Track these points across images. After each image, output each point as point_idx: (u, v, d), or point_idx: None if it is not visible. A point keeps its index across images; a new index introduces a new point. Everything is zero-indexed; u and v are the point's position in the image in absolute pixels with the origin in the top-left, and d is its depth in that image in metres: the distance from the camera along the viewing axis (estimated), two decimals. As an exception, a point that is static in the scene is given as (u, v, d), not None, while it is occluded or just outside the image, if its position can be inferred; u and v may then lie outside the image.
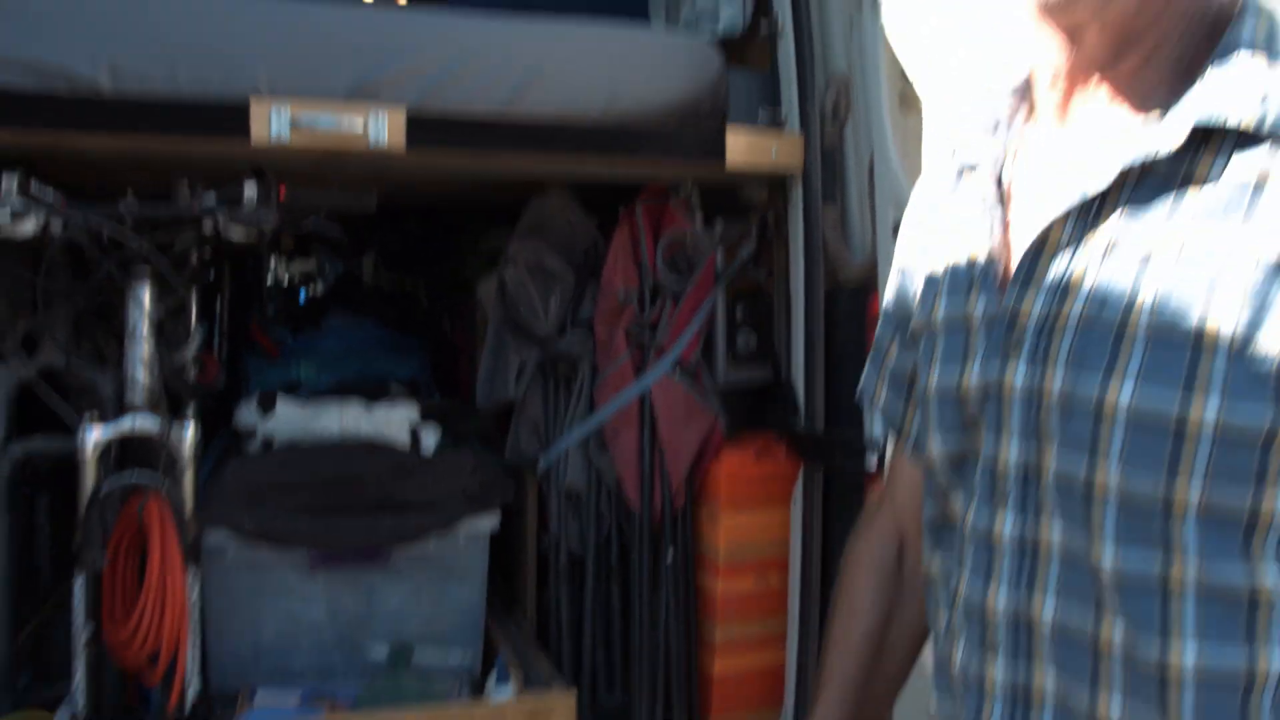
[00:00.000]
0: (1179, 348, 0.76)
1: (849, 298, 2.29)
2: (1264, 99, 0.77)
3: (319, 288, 6.85)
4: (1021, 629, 0.88)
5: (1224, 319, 0.75)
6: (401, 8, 2.24)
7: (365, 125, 2.04)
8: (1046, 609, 0.86)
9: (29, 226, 2.01)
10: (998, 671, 0.90)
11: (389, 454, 2.55)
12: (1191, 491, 0.76)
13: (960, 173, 1.01)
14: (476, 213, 3.44)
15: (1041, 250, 0.87)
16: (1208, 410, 0.75)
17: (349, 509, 2.41)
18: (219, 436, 2.81)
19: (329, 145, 2.04)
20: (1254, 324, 0.74)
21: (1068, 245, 0.85)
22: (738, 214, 2.51)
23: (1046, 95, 0.92)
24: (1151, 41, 0.84)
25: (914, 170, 2.04)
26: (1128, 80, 0.86)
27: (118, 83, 1.98)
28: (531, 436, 2.71)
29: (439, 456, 2.61)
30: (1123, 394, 0.79)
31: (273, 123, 1.99)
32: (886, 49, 2.11)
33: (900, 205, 2.08)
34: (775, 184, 2.44)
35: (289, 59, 2.06)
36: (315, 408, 2.61)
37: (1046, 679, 0.86)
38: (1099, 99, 0.88)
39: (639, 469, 2.50)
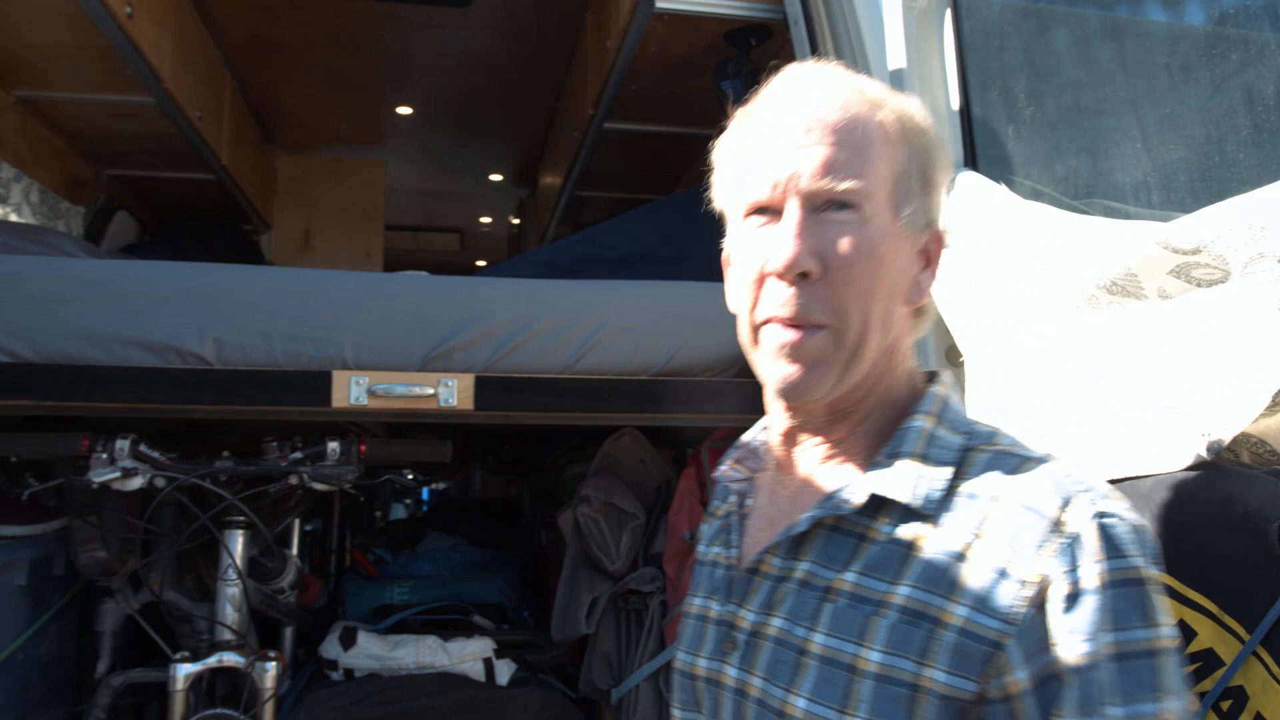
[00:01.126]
0: (840, 671, 0.99)
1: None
2: (916, 485, 1.03)
3: (425, 501, 7.12)
4: None
5: (871, 653, 0.98)
6: (473, 280, 2.44)
7: (436, 390, 2.21)
8: None
9: (137, 482, 2.24)
10: None
11: (461, 688, 2.62)
12: None
13: (725, 495, 1.29)
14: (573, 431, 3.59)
15: (755, 573, 1.13)
16: None
17: (418, 746, 2.47)
18: (308, 664, 2.94)
19: (403, 407, 2.22)
20: (892, 659, 0.96)
21: (775, 573, 1.11)
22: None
23: (777, 447, 1.20)
24: (858, 417, 1.12)
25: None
26: (836, 444, 1.13)
27: (222, 355, 2.22)
28: (604, 670, 2.74)
29: (511, 691, 2.66)
30: (798, 705, 1.01)
31: (352, 390, 2.18)
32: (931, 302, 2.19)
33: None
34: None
35: (371, 331, 2.27)
36: (394, 641, 2.71)
37: None
38: (814, 456, 1.15)
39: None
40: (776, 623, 1.07)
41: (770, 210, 1.09)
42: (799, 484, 1.16)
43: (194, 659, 2.34)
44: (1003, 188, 1.92)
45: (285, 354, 2.25)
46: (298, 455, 2.29)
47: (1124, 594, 0.91)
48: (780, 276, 1.06)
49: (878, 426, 1.12)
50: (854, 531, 1.06)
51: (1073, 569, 0.92)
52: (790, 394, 1.09)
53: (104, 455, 2.22)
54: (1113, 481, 1.46)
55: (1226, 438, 1.30)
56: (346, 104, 4.88)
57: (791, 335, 1.06)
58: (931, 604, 0.97)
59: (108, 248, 4.39)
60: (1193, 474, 1.34)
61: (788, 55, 2.63)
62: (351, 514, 4.33)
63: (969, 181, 2.01)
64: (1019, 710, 0.92)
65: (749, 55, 2.94)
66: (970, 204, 1.98)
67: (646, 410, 2.33)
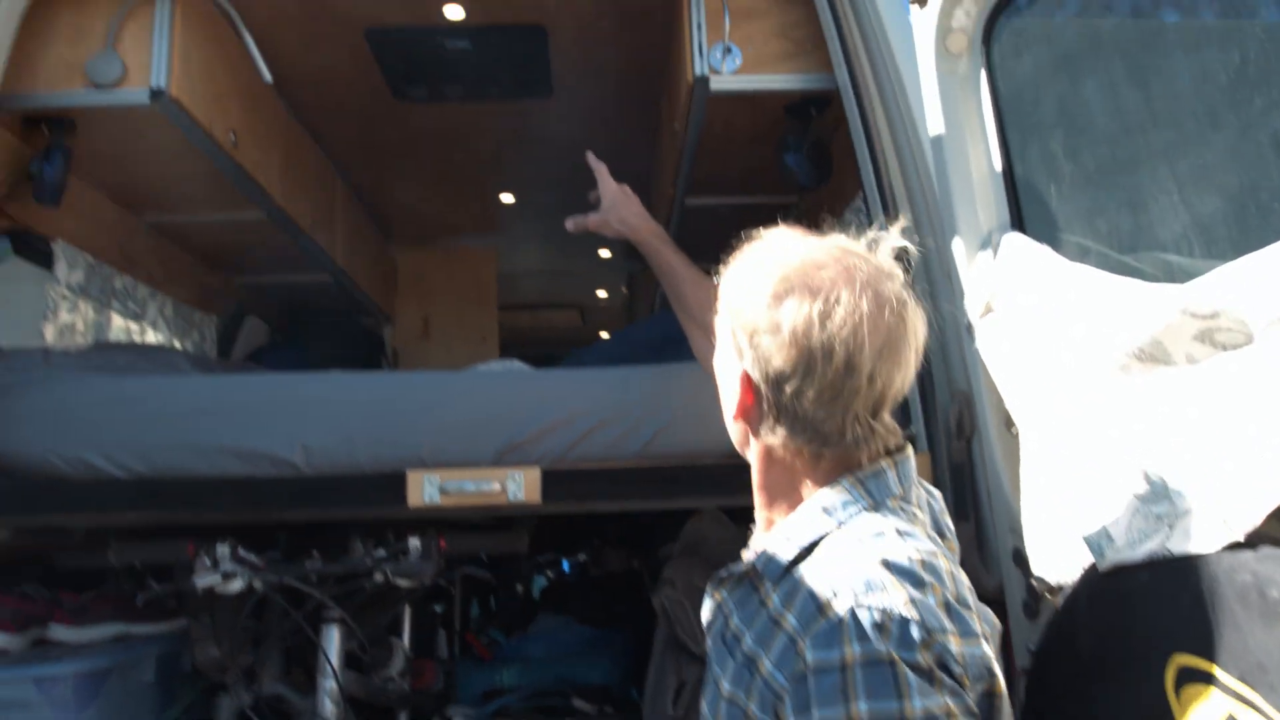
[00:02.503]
0: (711, 686, 1.39)
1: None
2: (770, 558, 1.34)
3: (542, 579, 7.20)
4: None
5: (723, 683, 1.33)
6: (543, 372, 2.52)
7: (504, 486, 2.28)
8: None
9: (237, 585, 2.38)
10: None
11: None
12: None
13: None
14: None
15: (719, 610, 1.49)
16: None
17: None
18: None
19: (474, 503, 2.30)
20: (733, 689, 1.29)
21: (715, 600, 1.51)
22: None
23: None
24: (771, 502, 1.44)
25: (1018, 495, 2.01)
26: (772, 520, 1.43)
27: (310, 460, 2.36)
28: (699, 753, 2.72)
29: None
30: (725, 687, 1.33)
31: (425, 489, 2.28)
32: (985, 370, 2.13)
33: (1015, 531, 2.05)
34: (912, 502, 2.43)
35: (446, 430, 2.36)
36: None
37: None
38: (768, 526, 1.44)
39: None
40: (709, 642, 1.47)
41: None
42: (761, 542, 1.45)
43: (299, 751, 2.45)
44: (1047, 249, 1.87)
45: (368, 455, 2.36)
46: (381, 553, 2.39)
47: (874, 671, 1.12)
48: None
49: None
50: (750, 582, 1.39)
51: (824, 649, 1.15)
52: None
53: (207, 561, 2.38)
54: (1153, 563, 1.40)
55: (1259, 516, 1.23)
56: (453, 196, 5.11)
57: None
58: (759, 655, 1.26)
59: (241, 350, 4.72)
60: (1226, 554, 1.27)
61: (848, 125, 2.64)
62: (487, 590, 4.43)
63: (1015, 244, 1.96)
64: None
65: (810, 126, 2.95)
66: (1017, 268, 1.93)
67: (716, 495, 2.35)
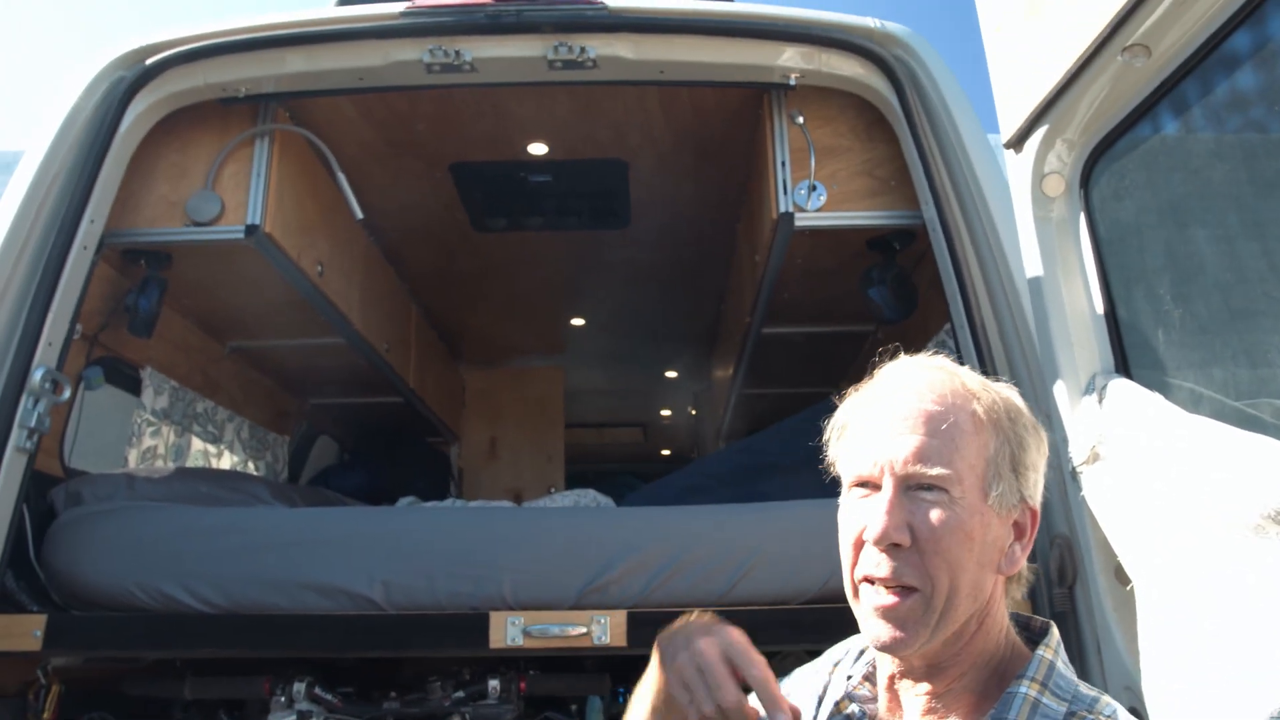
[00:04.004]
0: None
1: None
2: None
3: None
4: None
5: None
6: (625, 510, 2.48)
7: (589, 629, 2.22)
8: None
9: (313, 724, 2.33)
10: None
11: None
12: None
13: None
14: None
15: None
16: None
17: None
18: None
19: (558, 645, 2.24)
20: None
21: None
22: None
23: (884, 688, 1.30)
24: (955, 673, 1.22)
25: (1133, 649, 1.90)
26: (937, 697, 1.23)
27: (390, 596, 2.32)
28: None
29: None
30: None
31: (509, 631, 2.23)
32: (1093, 517, 2.04)
33: (1132, 689, 1.93)
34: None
35: (527, 567, 2.32)
36: None
37: None
38: (918, 705, 1.25)
39: None
40: None
41: (870, 484, 1.23)
42: None
43: None
44: (1157, 395, 1.81)
45: (448, 593, 2.32)
46: (460, 694, 2.33)
47: None
48: (876, 544, 1.20)
49: (976, 685, 1.23)
50: None
51: None
52: (885, 649, 1.22)
53: (283, 698, 2.33)
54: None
55: None
56: (524, 320, 5.18)
57: (888, 600, 1.20)
58: None
59: (310, 470, 4.74)
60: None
61: (932, 258, 2.62)
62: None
63: (1121, 389, 1.90)
64: None
65: (894, 260, 2.95)
66: (1124, 414, 1.87)
67: (804, 640, 2.25)
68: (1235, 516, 1.48)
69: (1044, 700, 1.16)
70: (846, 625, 2.26)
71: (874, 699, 1.33)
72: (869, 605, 1.22)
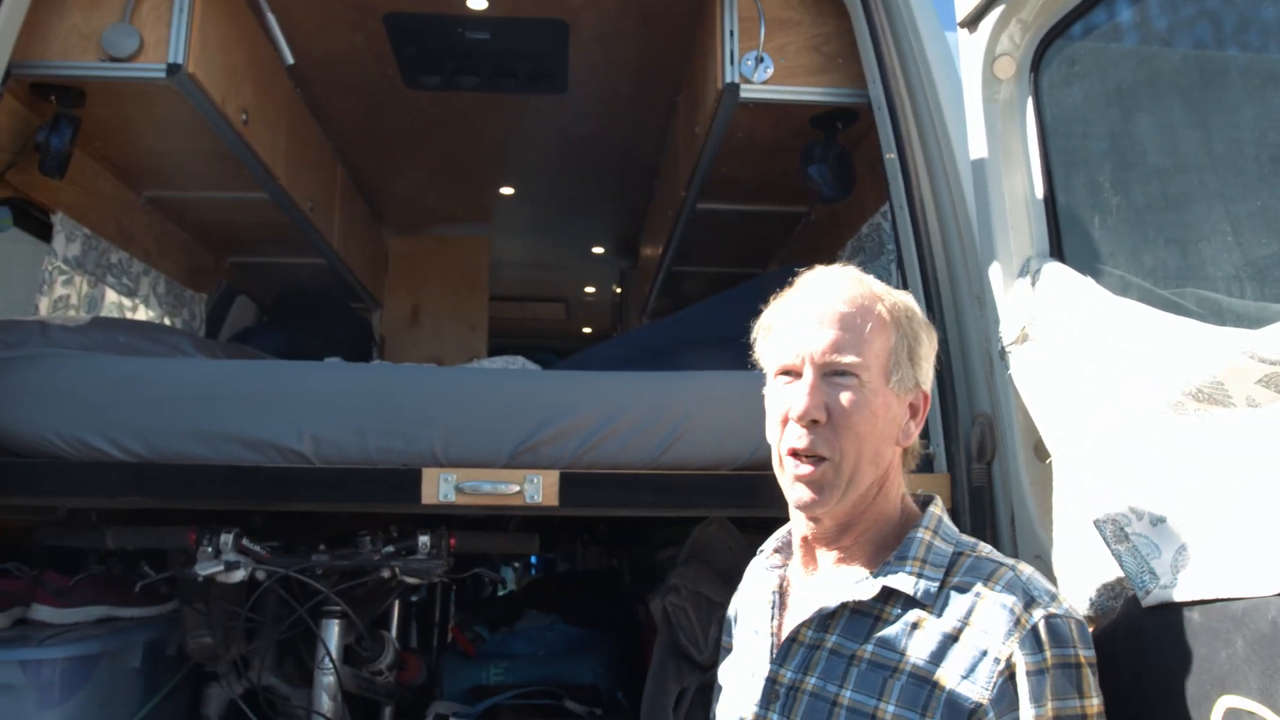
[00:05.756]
0: (866, 718, 1.35)
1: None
2: (917, 582, 1.40)
3: (534, 566, 7.14)
4: None
5: (888, 706, 1.33)
6: (560, 374, 2.48)
7: (522, 487, 2.25)
8: None
9: (239, 575, 2.33)
10: None
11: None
12: None
13: (755, 593, 1.64)
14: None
15: (794, 642, 1.48)
16: None
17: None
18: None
19: (490, 503, 2.26)
20: (903, 711, 1.32)
21: (809, 642, 1.47)
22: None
23: (799, 551, 1.57)
24: (859, 529, 1.49)
25: (1046, 521, 2.00)
26: (845, 550, 1.50)
27: (320, 451, 2.31)
28: (694, 761, 2.70)
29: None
30: None
31: (441, 488, 2.24)
32: (1017, 396, 2.12)
33: (1042, 558, 2.04)
34: (927, 523, 2.43)
35: (460, 426, 2.32)
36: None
37: None
38: (829, 558, 1.52)
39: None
40: (812, 681, 1.43)
41: (793, 372, 1.48)
42: (820, 577, 1.53)
43: (292, 746, 2.40)
44: (1089, 280, 1.87)
45: (379, 449, 2.32)
46: (389, 549, 2.35)
47: (1065, 674, 1.30)
48: (798, 421, 1.44)
49: (876, 537, 1.50)
50: (870, 614, 1.43)
51: (1031, 653, 1.29)
52: (804, 508, 1.48)
53: (209, 549, 2.32)
54: (1204, 603, 1.39)
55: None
56: (452, 186, 5.06)
57: (806, 469, 1.45)
58: (932, 672, 1.34)
59: (228, 330, 4.63)
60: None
61: (873, 139, 2.63)
62: (460, 584, 4.39)
63: (1054, 273, 1.96)
64: None
65: (835, 139, 2.94)
66: (1056, 297, 1.93)
67: (731, 505, 2.33)
68: (1156, 394, 1.56)
69: (935, 543, 1.46)
70: (771, 493, 2.34)
71: (784, 565, 1.61)
72: (790, 474, 1.47)
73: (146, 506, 2.46)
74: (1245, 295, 1.60)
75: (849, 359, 1.43)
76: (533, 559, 8.18)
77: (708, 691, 2.68)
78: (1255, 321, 1.46)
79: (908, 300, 1.54)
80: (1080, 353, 1.79)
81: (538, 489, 2.26)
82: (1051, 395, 1.89)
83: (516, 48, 3.50)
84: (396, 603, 3.06)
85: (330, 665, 2.44)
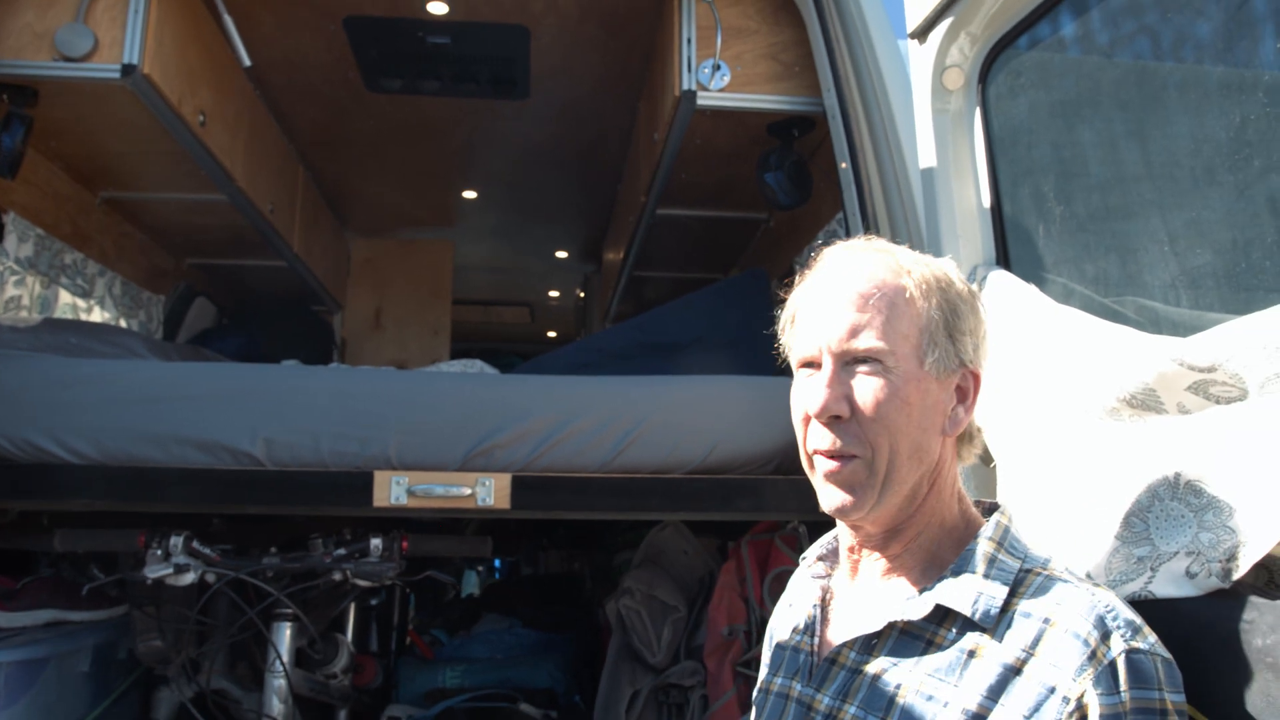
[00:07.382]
0: None
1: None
2: (976, 600, 1.20)
3: (497, 570, 7.11)
4: None
5: None
6: (514, 377, 2.49)
7: (474, 490, 2.25)
8: None
9: (189, 578, 2.32)
10: None
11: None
12: None
13: (796, 605, 1.46)
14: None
15: (834, 664, 1.30)
16: None
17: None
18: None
19: (442, 506, 2.27)
20: None
21: (850, 665, 1.28)
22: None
23: (844, 559, 1.39)
24: (910, 534, 1.30)
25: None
26: (893, 559, 1.31)
27: (272, 454, 2.30)
28: (648, 764, 2.71)
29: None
30: None
31: (393, 491, 2.24)
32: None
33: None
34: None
35: (414, 430, 2.33)
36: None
37: None
38: (876, 568, 1.33)
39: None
40: (851, 710, 1.24)
41: (813, 364, 1.31)
42: (867, 590, 1.34)
43: (243, 750, 2.39)
44: (1033, 288, 1.90)
45: (332, 452, 2.32)
46: (341, 552, 2.35)
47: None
48: (818, 417, 1.28)
49: (929, 545, 1.30)
50: (922, 636, 1.23)
51: (1106, 694, 1.09)
52: (839, 514, 1.29)
53: (159, 551, 2.31)
54: (1135, 604, 1.42)
55: (1245, 565, 1.26)
56: (415, 190, 5.05)
57: (832, 465, 1.27)
58: (989, 709, 1.13)
59: (186, 333, 4.60)
60: (1211, 600, 1.30)
61: (829, 147, 2.66)
62: (420, 588, 4.38)
63: (1000, 281, 1.99)
64: None
65: (792, 146, 2.97)
66: (1000, 305, 1.96)
67: (681, 509, 2.35)
68: (1092, 400, 1.59)
69: (999, 556, 1.24)
70: (727, 497, 2.37)
71: (828, 575, 1.44)
72: (820, 474, 1.29)
73: (97, 509, 2.45)
74: (1181, 303, 1.64)
75: (869, 344, 1.24)
76: (496, 563, 8.16)
77: (660, 694, 2.70)
78: (1190, 329, 1.49)
79: (944, 268, 1.33)
80: (1022, 359, 1.82)
81: (490, 492, 2.27)
82: (995, 401, 1.93)
83: (478, 52, 3.50)
84: (353, 606, 3.05)
85: (281, 668, 2.43)
